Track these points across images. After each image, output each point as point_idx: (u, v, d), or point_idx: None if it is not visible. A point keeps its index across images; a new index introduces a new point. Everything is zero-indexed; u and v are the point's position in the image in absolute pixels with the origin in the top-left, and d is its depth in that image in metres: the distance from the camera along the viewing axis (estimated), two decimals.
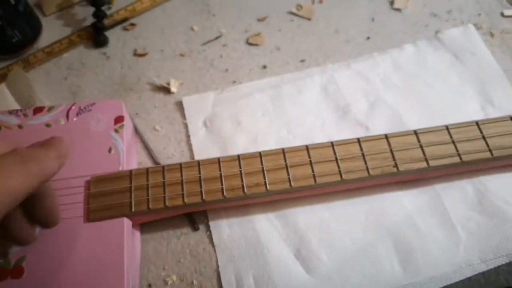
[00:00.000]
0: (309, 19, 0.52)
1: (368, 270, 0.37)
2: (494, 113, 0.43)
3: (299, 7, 0.53)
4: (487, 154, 0.37)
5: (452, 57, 0.47)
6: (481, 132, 0.38)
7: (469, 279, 0.38)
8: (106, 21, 0.52)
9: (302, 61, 0.49)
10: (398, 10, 0.52)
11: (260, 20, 0.52)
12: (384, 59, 0.48)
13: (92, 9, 0.52)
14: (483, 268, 0.37)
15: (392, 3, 0.52)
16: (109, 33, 0.52)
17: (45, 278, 0.33)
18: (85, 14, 0.54)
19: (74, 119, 0.40)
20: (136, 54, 0.50)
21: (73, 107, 0.40)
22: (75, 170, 0.37)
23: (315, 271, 0.37)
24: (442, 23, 0.50)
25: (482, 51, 0.47)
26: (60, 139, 0.29)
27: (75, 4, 0.54)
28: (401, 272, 0.36)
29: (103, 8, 0.52)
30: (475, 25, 0.49)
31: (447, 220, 0.38)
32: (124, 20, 0.53)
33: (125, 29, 0.52)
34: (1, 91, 0.47)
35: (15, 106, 0.46)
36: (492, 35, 0.49)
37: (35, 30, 0.50)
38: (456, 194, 0.39)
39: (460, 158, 0.37)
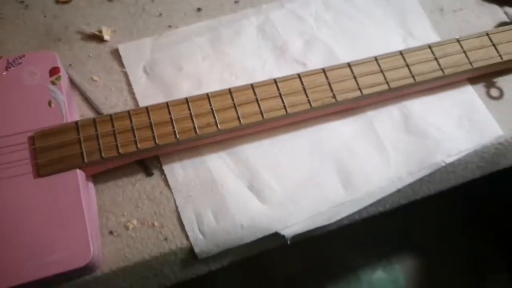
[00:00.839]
0: None
1: (314, 193, 0.40)
2: (414, 43, 0.48)
3: None
4: (411, 80, 0.41)
5: None
6: (405, 61, 0.42)
7: (398, 191, 0.43)
8: None
9: (236, 2, 0.49)
10: None
11: None
12: None
13: None
14: (410, 180, 0.42)
15: None
16: None
17: (1, 238, 0.32)
18: None
19: (4, 73, 0.37)
20: (58, 1, 0.47)
21: (0, 61, 0.38)
22: (15, 127, 0.36)
23: (269, 200, 0.40)
24: None
25: None
26: None
27: None
28: (342, 191, 0.41)
29: None
30: None
31: (378, 142, 0.43)
32: None
33: None
34: None
35: None
36: None
37: None
38: (385, 118, 0.44)
39: (388, 86, 0.41)
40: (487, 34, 0.45)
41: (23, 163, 0.35)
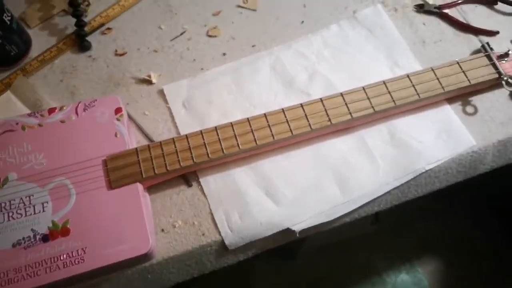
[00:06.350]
0: (254, 10, 0.64)
1: (317, 197, 0.51)
2: (399, 72, 0.58)
3: (245, 0, 0.65)
4: (392, 104, 0.52)
5: (367, 32, 0.61)
6: (387, 88, 0.52)
7: (389, 193, 0.53)
8: (86, 28, 0.61)
9: (253, 46, 0.61)
10: None
11: (215, 14, 0.64)
12: (316, 38, 0.61)
13: (70, 18, 0.61)
14: (396, 184, 0.52)
15: None
16: (90, 38, 0.61)
17: (86, 233, 0.45)
18: (65, 23, 0.63)
19: (83, 114, 0.51)
20: (117, 54, 0.61)
21: (79, 105, 0.51)
22: (92, 153, 0.49)
23: (281, 203, 0.51)
24: (357, 4, 0.64)
25: (388, 25, 0.61)
26: None
27: (54, 15, 0.63)
28: (340, 194, 0.51)
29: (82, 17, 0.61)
30: (382, 3, 0.63)
31: (370, 154, 0.53)
32: (101, 25, 0.62)
33: (103, 33, 0.62)
34: (8, 98, 0.57)
35: (24, 109, 0.56)
36: (396, 10, 0.63)
37: (27, 42, 0.60)
38: (375, 134, 0.54)
39: (374, 109, 0.51)
40: (458, 63, 0.55)
41: (99, 179, 0.48)
